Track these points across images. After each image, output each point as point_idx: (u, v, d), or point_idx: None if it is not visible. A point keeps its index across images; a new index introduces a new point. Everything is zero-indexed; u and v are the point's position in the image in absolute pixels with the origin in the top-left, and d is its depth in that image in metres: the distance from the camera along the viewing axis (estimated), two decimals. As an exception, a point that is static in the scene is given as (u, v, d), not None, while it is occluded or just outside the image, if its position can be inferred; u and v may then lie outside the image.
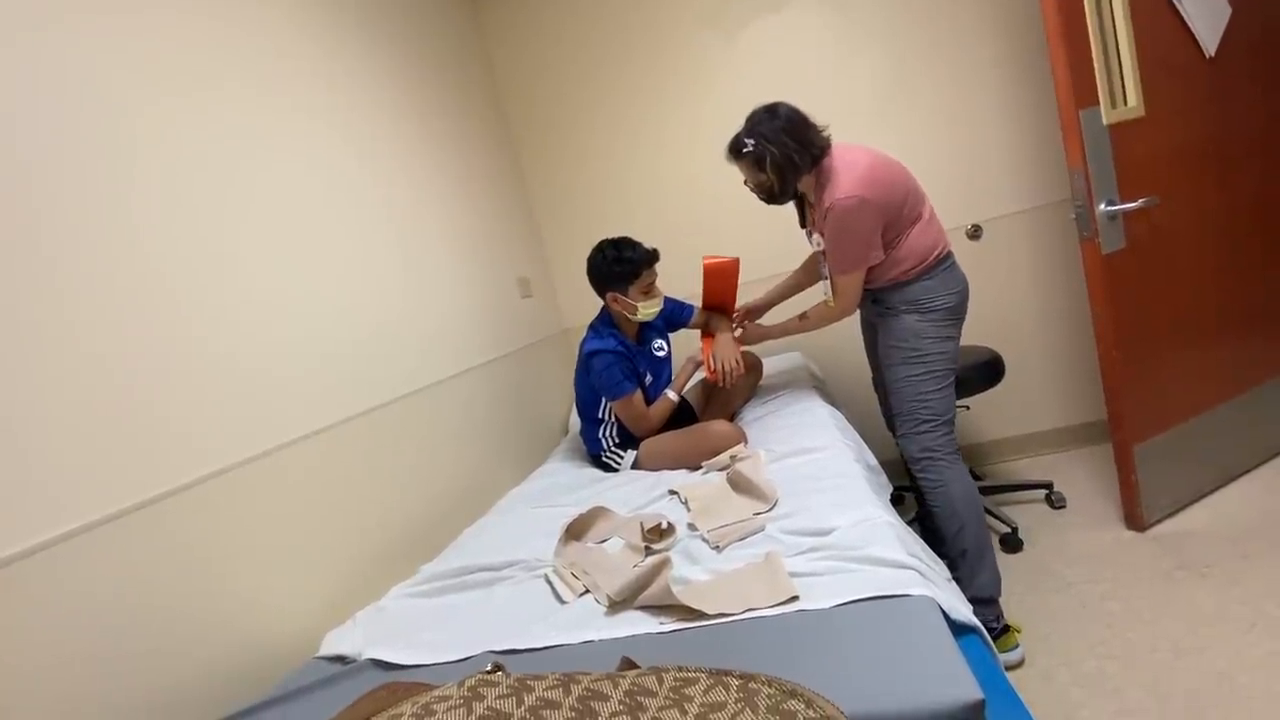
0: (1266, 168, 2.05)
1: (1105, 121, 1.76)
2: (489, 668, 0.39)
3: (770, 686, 0.26)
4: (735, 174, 1.66)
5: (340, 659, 1.11)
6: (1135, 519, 1.90)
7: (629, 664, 0.45)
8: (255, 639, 1.14)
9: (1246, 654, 1.37)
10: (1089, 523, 2.00)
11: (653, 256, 1.84)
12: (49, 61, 1.02)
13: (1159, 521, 1.91)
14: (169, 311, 1.13)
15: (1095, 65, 1.74)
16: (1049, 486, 2.17)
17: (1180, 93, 1.87)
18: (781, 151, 1.51)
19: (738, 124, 1.60)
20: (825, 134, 1.55)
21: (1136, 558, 1.78)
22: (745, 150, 1.55)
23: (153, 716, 0.96)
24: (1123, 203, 1.77)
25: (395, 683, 0.41)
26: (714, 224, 2.58)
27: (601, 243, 1.86)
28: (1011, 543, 1.96)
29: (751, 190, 1.66)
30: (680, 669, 0.29)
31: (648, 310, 1.84)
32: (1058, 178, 2.33)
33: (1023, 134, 2.36)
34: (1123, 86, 1.80)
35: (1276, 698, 1.25)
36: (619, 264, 1.81)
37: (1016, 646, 1.51)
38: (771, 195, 1.61)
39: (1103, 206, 1.76)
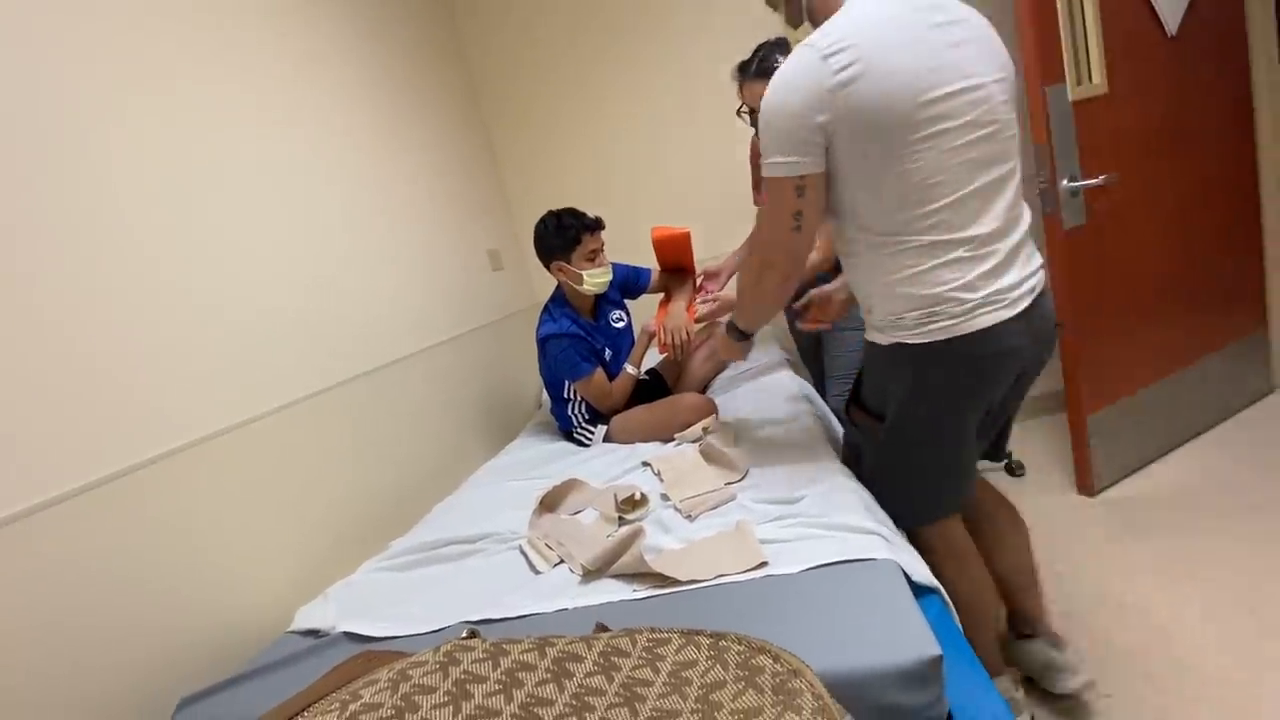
0: (1219, 148, 2.12)
1: (1070, 98, 1.79)
2: (464, 634, 0.39)
3: (739, 644, 0.27)
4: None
5: (313, 633, 1.10)
6: (1086, 485, 1.99)
7: (603, 630, 0.46)
8: (226, 614, 1.13)
9: (1183, 610, 1.46)
10: (1043, 489, 2.09)
11: (594, 223, 1.81)
12: (15, 36, 0.96)
13: (1107, 487, 2.01)
14: (139, 281, 1.10)
15: (1062, 41, 1.76)
16: (1008, 455, 2.25)
17: (1142, 70, 1.91)
18: None
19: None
20: None
21: (1085, 521, 1.87)
22: (779, 63, 1.48)
23: (122, 693, 0.95)
24: (1084, 179, 1.81)
25: (371, 651, 0.41)
26: (687, 192, 2.57)
27: (545, 214, 1.84)
28: (971, 509, 2.03)
29: (753, 116, 1.53)
30: (653, 630, 0.30)
31: (594, 279, 1.82)
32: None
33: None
34: (1088, 63, 1.83)
35: (1209, 649, 1.34)
36: (559, 232, 1.79)
37: None
38: None
39: (1065, 183, 1.80)
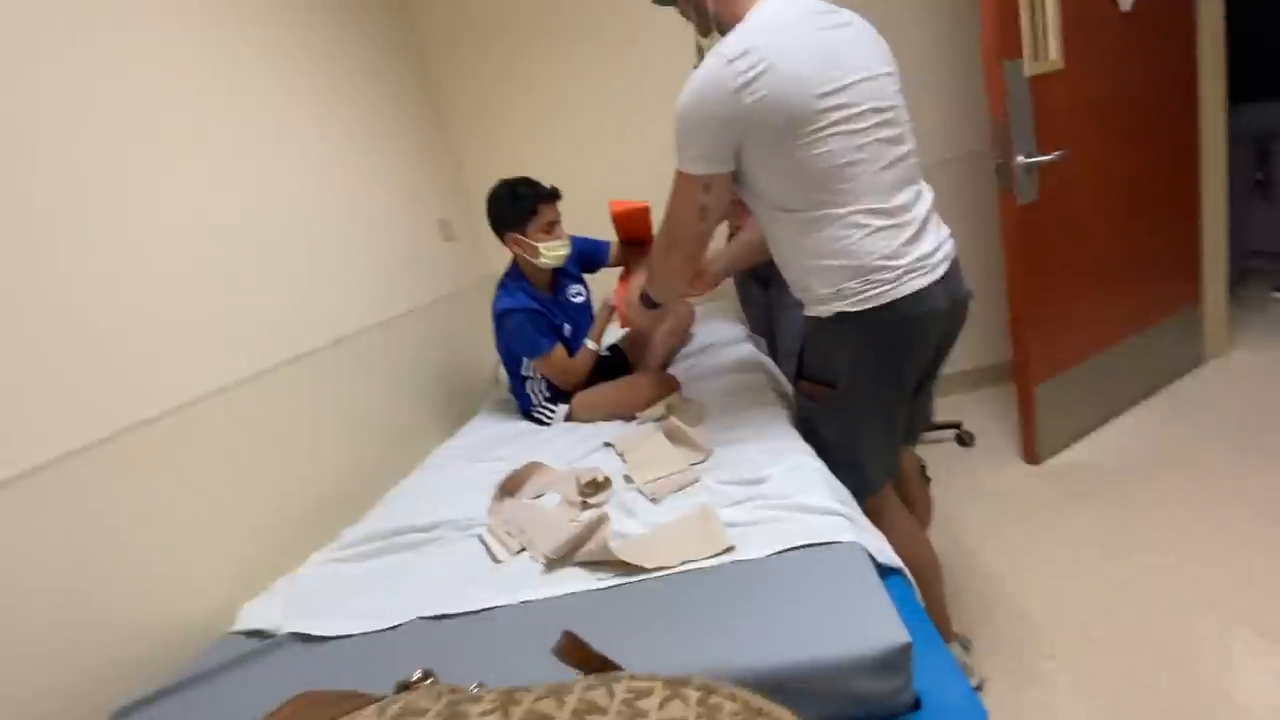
0: (1165, 126, 2.17)
1: (1026, 73, 1.79)
2: (417, 674, 0.35)
3: (734, 701, 0.24)
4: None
5: (258, 634, 1.04)
6: (1032, 454, 2.07)
7: (571, 640, 0.42)
8: (161, 614, 1.06)
9: (1123, 572, 1.54)
10: (991, 459, 2.17)
11: (551, 193, 1.75)
12: None
13: (1052, 456, 2.09)
14: (69, 257, 1.00)
15: (1021, 16, 1.76)
16: (958, 426, 2.32)
17: (1096, 47, 1.92)
18: None
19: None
20: None
21: (1031, 490, 1.95)
22: None
23: (46, 704, 0.87)
24: (1039, 155, 1.83)
25: (311, 691, 0.37)
26: (646, 164, 2.49)
27: (497, 183, 1.76)
28: (923, 479, 2.09)
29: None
30: (632, 678, 0.27)
31: (550, 252, 1.75)
32: (969, 130, 2.38)
33: (939, 85, 2.38)
34: (1045, 38, 1.83)
35: (1150, 609, 1.42)
36: (514, 202, 1.72)
37: None
38: None
39: (1020, 159, 1.82)
